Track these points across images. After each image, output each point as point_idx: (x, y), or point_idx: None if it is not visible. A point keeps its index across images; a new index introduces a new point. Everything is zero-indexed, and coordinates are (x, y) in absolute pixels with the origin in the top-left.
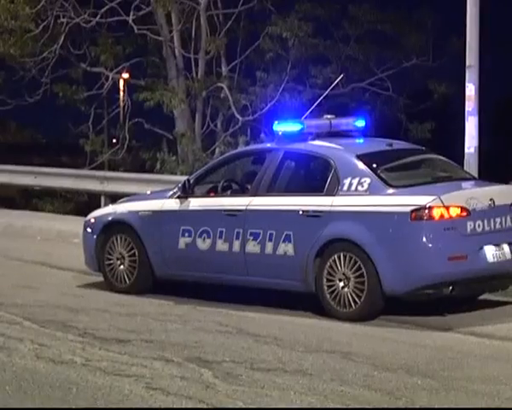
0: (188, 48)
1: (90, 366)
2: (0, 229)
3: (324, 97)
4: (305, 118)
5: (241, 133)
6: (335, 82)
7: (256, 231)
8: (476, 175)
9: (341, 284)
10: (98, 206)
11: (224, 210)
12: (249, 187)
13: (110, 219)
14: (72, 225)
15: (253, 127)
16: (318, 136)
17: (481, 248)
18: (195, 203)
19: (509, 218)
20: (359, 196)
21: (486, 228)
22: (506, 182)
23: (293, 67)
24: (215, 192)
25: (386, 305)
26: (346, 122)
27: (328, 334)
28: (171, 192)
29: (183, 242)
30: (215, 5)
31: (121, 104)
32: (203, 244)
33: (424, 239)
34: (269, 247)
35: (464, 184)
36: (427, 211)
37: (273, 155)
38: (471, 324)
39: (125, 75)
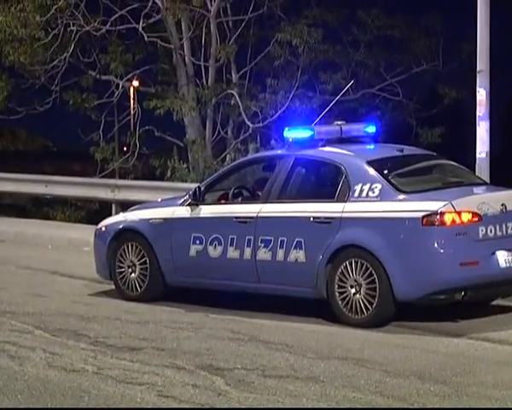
0: (198, 55)
1: (101, 375)
2: (11, 237)
3: (334, 103)
4: (316, 124)
5: (252, 140)
6: (345, 88)
7: (267, 237)
8: (488, 180)
9: (353, 290)
10: (109, 214)
11: (235, 217)
12: (260, 194)
13: (121, 227)
14: (83, 234)
15: (264, 134)
16: (329, 142)
17: (493, 253)
18: (206, 211)
19: None
20: (370, 202)
21: (498, 233)
22: None
23: (302, 73)
24: (226, 199)
25: (397, 311)
26: (356, 128)
27: (339, 340)
28: (181, 200)
29: (194, 249)
30: (225, 12)
31: (131, 112)
32: (214, 252)
33: (436, 245)
34: (280, 254)
35: (476, 190)
36: (438, 217)
37: (284, 161)
38: (483, 329)
39: (136, 83)
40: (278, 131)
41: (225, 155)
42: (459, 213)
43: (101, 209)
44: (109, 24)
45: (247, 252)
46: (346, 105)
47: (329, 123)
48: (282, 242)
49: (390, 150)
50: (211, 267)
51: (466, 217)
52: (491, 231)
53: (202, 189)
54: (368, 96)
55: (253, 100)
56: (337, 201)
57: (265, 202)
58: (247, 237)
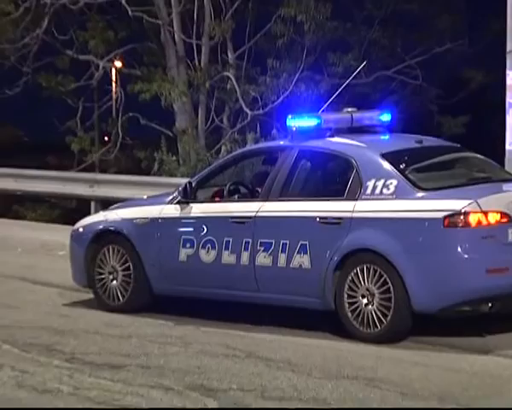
0: (189, 32)
1: (78, 396)
2: None
3: (344, 88)
4: (323, 111)
5: (250, 129)
6: (357, 70)
7: (267, 240)
8: None
9: (365, 300)
10: (88, 213)
11: (231, 217)
12: (259, 191)
13: (101, 227)
14: (58, 235)
15: (264, 122)
16: (338, 132)
17: None
18: (198, 209)
19: None
20: (385, 201)
21: None
22: None
23: (308, 54)
24: (220, 197)
25: (415, 324)
26: (369, 116)
27: (349, 358)
28: (170, 197)
29: (184, 253)
30: None
31: (113, 97)
32: (207, 256)
33: (459, 249)
34: (282, 259)
35: (505, 186)
36: (462, 217)
37: (286, 153)
38: None
39: (118, 64)
40: (280, 119)
41: (220, 147)
42: (486, 213)
43: (79, 207)
44: None
45: (245, 257)
46: (357, 90)
47: (338, 110)
48: (284, 245)
49: (407, 141)
50: (203, 274)
51: (493, 217)
52: None
53: (194, 184)
54: (382, 80)
55: (251, 84)
56: (347, 199)
57: (265, 200)
58: (244, 240)
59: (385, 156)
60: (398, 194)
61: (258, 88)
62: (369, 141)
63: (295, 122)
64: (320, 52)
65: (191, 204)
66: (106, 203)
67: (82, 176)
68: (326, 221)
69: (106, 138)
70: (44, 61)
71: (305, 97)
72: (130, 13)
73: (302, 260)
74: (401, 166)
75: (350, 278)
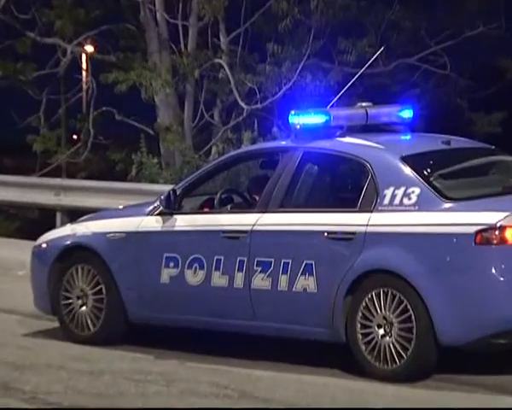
0: (174, 12)
1: None
2: None
3: (358, 78)
4: (333, 106)
5: (247, 127)
6: (373, 57)
7: (266, 259)
8: None
9: (381, 331)
10: (53, 226)
11: (223, 231)
12: (256, 200)
13: (68, 243)
14: (17, 252)
15: (263, 119)
16: (350, 131)
17: None
18: (183, 222)
19: None
20: (405, 213)
21: None
22: None
23: (316, 38)
24: (210, 207)
25: (441, 359)
26: (387, 112)
27: (362, 398)
28: (151, 207)
29: (166, 274)
30: None
31: (84, 88)
32: (194, 278)
33: (494, 270)
34: (283, 281)
35: None
36: (497, 232)
37: (289, 156)
38: None
39: (89, 48)
40: (282, 115)
41: (210, 147)
42: None
43: (42, 219)
44: None
45: (239, 278)
46: (373, 81)
47: (351, 105)
48: (285, 265)
49: (432, 142)
50: (189, 299)
51: None
52: None
53: (179, 192)
54: (403, 70)
55: (248, 73)
56: (361, 210)
57: (264, 212)
58: (238, 259)
59: (406, 160)
60: (421, 205)
61: (255, 78)
62: (387, 142)
63: (299, 119)
64: (329, 36)
65: (175, 216)
66: (74, 214)
67: (46, 182)
68: (335, 237)
69: (74, 137)
70: (1, 46)
71: (311, 89)
72: None
73: (307, 283)
74: (425, 172)
75: (364, 304)
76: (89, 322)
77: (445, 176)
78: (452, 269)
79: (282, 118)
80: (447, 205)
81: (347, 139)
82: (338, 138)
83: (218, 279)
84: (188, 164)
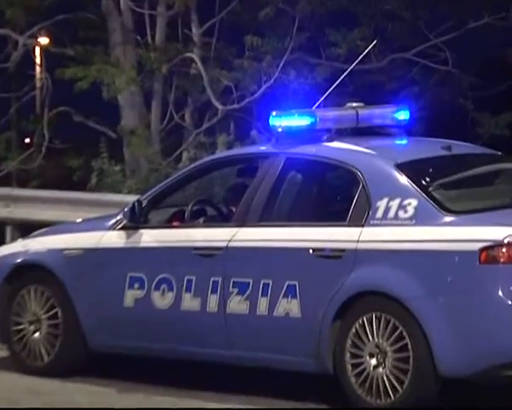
0: None
1: None
2: None
3: (348, 75)
4: (319, 107)
5: (222, 130)
6: (365, 51)
7: (243, 280)
8: None
9: (373, 361)
10: (1, 241)
11: (195, 248)
12: (233, 212)
13: (19, 261)
14: None
15: (240, 121)
16: (338, 134)
17: None
18: (150, 237)
19: None
20: (401, 227)
21: None
22: None
23: (301, 30)
24: (181, 220)
25: (441, 393)
26: (381, 113)
27: None
28: (113, 220)
29: (131, 296)
30: None
31: (38, 85)
32: (162, 300)
33: (500, 293)
34: (262, 305)
35: None
36: (504, 249)
37: (269, 163)
38: None
39: (44, 40)
40: (262, 116)
41: (181, 153)
42: None
43: None
44: None
45: (213, 301)
46: (365, 78)
47: (340, 105)
48: (265, 286)
49: (431, 148)
50: (156, 324)
51: None
52: None
53: (145, 204)
54: (399, 65)
55: (223, 68)
56: (350, 224)
57: (241, 225)
58: (212, 279)
59: (401, 168)
60: (418, 218)
61: (232, 74)
62: (381, 147)
63: (281, 121)
64: (316, 27)
65: (141, 230)
66: (26, 228)
67: None
68: (322, 254)
69: (27, 141)
70: None
71: (295, 88)
72: None
73: (290, 307)
74: (423, 181)
75: (354, 330)
76: (43, 351)
77: (445, 186)
78: (454, 291)
79: (261, 120)
80: (448, 219)
81: (335, 144)
82: (325, 143)
83: (190, 302)
84: (155, 172)
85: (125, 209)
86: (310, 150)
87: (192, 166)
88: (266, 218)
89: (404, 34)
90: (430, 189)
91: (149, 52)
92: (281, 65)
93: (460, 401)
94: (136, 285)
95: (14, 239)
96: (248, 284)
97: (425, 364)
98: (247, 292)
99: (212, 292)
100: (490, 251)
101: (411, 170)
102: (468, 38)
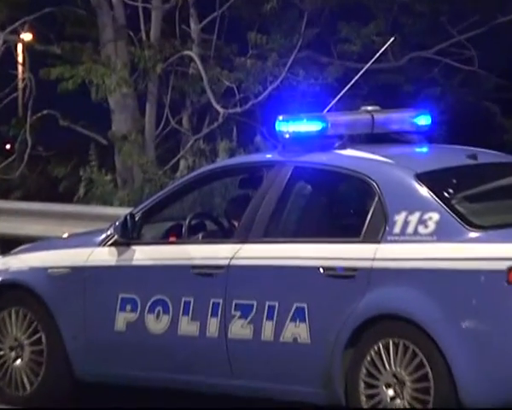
0: None
1: None
2: None
3: (363, 76)
4: (331, 110)
5: (223, 136)
6: (382, 49)
7: (246, 302)
8: None
9: (390, 392)
10: None
11: (193, 266)
12: (235, 227)
13: None
14: None
15: (243, 126)
16: (352, 141)
17: None
18: (144, 254)
19: None
20: (421, 244)
21: None
22: None
23: (310, 25)
24: (178, 236)
25: None
26: (398, 118)
27: None
28: (103, 236)
29: (122, 319)
30: None
31: (20, 85)
32: (157, 324)
33: None
34: (267, 329)
35: None
36: None
37: (275, 173)
38: None
39: (28, 36)
40: (267, 121)
41: (178, 161)
42: None
43: None
44: None
45: (213, 325)
46: (381, 78)
47: (354, 109)
48: (270, 309)
49: (455, 156)
50: (150, 351)
51: None
52: None
53: (138, 217)
54: (419, 65)
55: (224, 68)
56: (365, 240)
57: (244, 242)
58: (212, 301)
59: (422, 178)
60: (440, 234)
61: (234, 74)
62: (399, 155)
63: (289, 126)
64: (327, 22)
65: (134, 247)
66: (7, 244)
67: None
68: (334, 273)
69: (7, 147)
70: None
71: (303, 89)
72: None
73: (298, 332)
74: (445, 193)
75: (369, 358)
76: (25, 379)
77: (470, 198)
78: (479, 314)
79: (267, 125)
80: (473, 234)
81: (348, 152)
82: (337, 151)
83: (187, 326)
84: (149, 182)
85: (116, 223)
86: (320, 159)
87: (190, 175)
88: (272, 233)
89: (424, 30)
90: (453, 201)
91: (143, 50)
92: (288, 64)
93: None
94: (129, 307)
95: None
96: (252, 306)
97: (447, 395)
98: (251, 315)
99: (212, 315)
100: None
101: (433, 181)
102: (494, 34)
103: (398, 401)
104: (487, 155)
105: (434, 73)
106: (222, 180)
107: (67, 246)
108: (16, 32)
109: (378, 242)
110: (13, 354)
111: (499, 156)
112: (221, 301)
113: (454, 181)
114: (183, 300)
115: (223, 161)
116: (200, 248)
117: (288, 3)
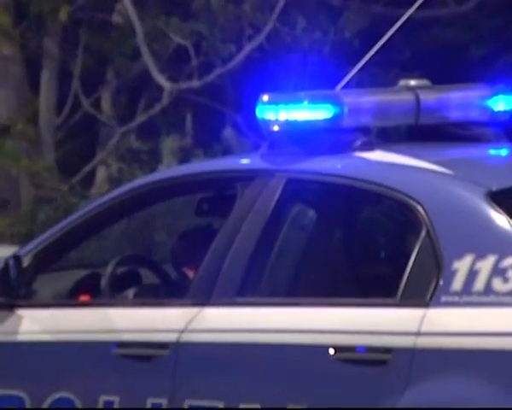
0: None
1: None
2: None
3: (400, 30)
4: (347, 87)
5: (170, 128)
6: None
7: (206, 403)
8: None
9: None
10: None
11: (119, 344)
12: (189, 279)
13: None
14: None
15: (203, 111)
16: (383, 137)
17: None
18: (37, 324)
19: None
20: (498, 309)
21: None
22: None
23: None
24: (93, 293)
25: None
26: (461, 100)
27: None
28: None
29: None
30: None
31: None
32: None
33: None
34: None
35: None
36: None
37: (257, 189)
38: None
39: None
40: (243, 104)
41: (94, 168)
42: None
43: None
44: None
45: None
46: (433, 35)
47: (386, 84)
48: None
49: None
50: None
51: None
52: None
53: (27, 263)
54: (491, 12)
55: (173, 15)
56: (404, 303)
57: (204, 304)
58: (149, 401)
59: (499, 200)
60: None
61: (189, 25)
62: (460, 162)
63: (279, 113)
64: None
65: (20, 311)
66: None
67: None
68: (351, 357)
69: None
70: None
71: (303, 51)
72: None
73: None
74: None
75: None
76: None
77: None
78: None
79: (242, 110)
80: None
81: (377, 156)
82: (358, 153)
83: None
84: (47, 203)
85: None
86: (330, 167)
87: (115, 193)
88: (250, 290)
89: None
90: None
91: None
92: (278, 8)
93: None
94: None
95: None
96: None
97: None
98: None
99: None
100: None
101: None
102: None
103: None
104: None
105: None
106: (167, 201)
107: None
108: None
109: (426, 305)
110: None
111: None
112: (165, 401)
113: None
114: (100, 399)
115: (169, 170)
116: (131, 313)
117: None
